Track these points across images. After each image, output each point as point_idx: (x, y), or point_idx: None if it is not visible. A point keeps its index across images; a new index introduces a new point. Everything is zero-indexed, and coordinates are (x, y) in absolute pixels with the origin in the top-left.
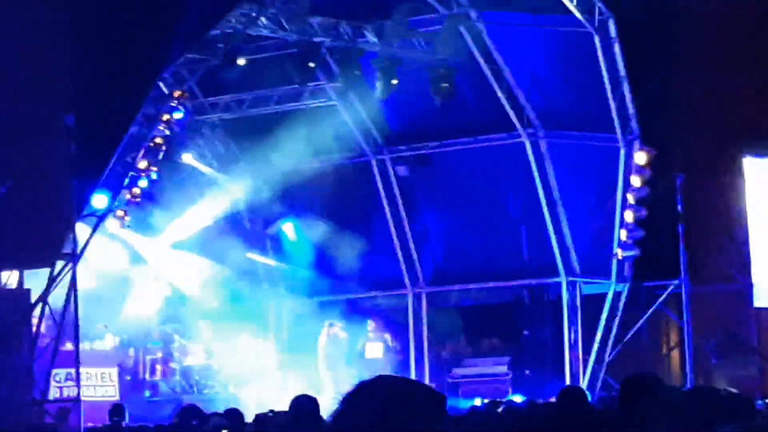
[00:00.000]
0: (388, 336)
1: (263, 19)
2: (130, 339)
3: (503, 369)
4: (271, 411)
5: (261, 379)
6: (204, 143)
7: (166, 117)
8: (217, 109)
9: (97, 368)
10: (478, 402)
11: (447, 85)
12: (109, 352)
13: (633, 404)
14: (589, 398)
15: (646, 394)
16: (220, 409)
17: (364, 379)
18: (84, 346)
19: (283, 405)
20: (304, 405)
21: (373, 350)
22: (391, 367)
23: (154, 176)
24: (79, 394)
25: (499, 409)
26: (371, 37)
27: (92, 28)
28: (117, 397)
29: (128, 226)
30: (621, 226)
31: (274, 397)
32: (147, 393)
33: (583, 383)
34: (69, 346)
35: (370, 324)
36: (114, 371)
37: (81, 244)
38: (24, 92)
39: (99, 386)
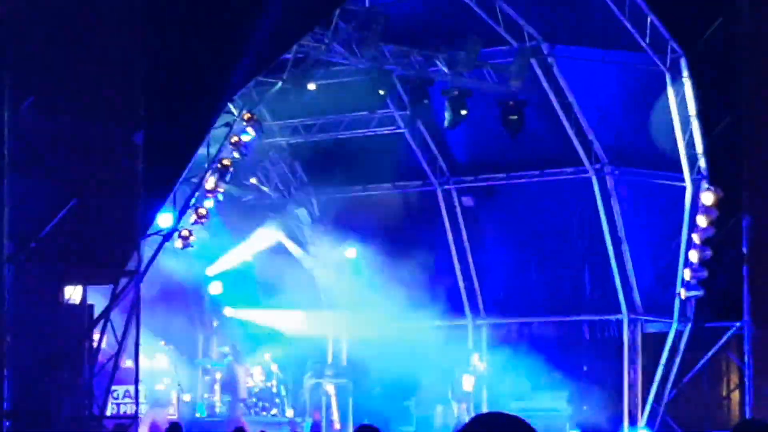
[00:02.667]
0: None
1: (335, 45)
2: (189, 358)
3: (562, 404)
4: None
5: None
6: (271, 166)
7: (234, 139)
8: (286, 132)
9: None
10: None
11: (516, 117)
12: (168, 370)
13: None
14: None
15: None
16: None
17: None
18: (144, 362)
19: None
20: None
21: (468, 382)
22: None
23: (220, 197)
24: (137, 411)
25: None
26: (442, 67)
27: (165, 48)
28: (175, 416)
29: (192, 246)
30: (685, 266)
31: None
32: (205, 413)
33: (641, 422)
34: (129, 363)
35: (474, 355)
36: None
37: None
38: (94, 109)
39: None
